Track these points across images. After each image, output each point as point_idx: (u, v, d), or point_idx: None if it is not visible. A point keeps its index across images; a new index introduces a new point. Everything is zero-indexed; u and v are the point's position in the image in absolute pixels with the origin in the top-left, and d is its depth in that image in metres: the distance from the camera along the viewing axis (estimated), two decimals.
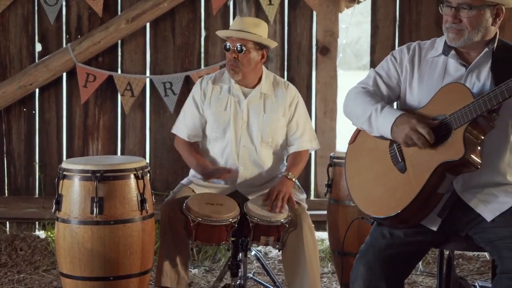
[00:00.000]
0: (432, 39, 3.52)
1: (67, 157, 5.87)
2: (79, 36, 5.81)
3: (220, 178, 4.46)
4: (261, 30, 4.46)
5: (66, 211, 4.18)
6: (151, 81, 5.83)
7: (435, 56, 3.43)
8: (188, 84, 5.77)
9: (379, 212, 3.32)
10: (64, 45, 5.82)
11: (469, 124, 3.15)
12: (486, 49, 3.33)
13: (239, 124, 4.49)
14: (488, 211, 3.23)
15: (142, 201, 4.22)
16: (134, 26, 5.71)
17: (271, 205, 4.28)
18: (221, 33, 4.57)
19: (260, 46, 4.44)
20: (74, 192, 4.17)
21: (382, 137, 3.40)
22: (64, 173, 4.22)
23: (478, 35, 3.28)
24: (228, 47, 4.42)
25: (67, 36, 5.86)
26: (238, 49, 4.38)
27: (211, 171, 4.42)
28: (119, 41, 5.83)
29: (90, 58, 5.76)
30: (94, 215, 4.12)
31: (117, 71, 5.84)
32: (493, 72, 3.28)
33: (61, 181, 4.22)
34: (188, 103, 4.59)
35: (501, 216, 3.20)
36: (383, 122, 3.32)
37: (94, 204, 4.11)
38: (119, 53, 5.87)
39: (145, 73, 5.89)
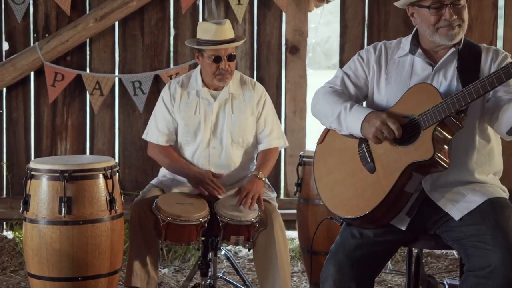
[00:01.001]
0: (397, 38, 3.55)
1: (35, 157, 5.83)
2: (47, 35, 5.76)
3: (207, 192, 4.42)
4: (233, 31, 4.49)
5: (34, 211, 4.15)
6: (120, 80, 5.81)
7: (401, 55, 3.46)
8: (157, 83, 5.75)
9: (348, 213, 3.33)
10: (31, 44, 5.77)
11: (437, 124, 3.17)
12: (452, 49, 3.36)
13: (208, 126, 4.48)
14: (456, 210, 3.26)
15: (111, 201, 4.20)
16: (103, 25, 5.68)
17: (240, 203, 4.29)
18: (215, 48, 4.39)
19: (236, 47, 4.49)
20: (42, 192, 4.14)
21: (351, 136, 3.41)
22: (32, 173, 4.18)
23: (466, 27, 3.32)
24: (219, 58, 4.39)
25: (35, 35, 5.81)
26: (230, 57, 4.39)
27: (203, 183, 4.38)
28: (88, 40, 5.80)
29: (58, 57, 5.72)
30: (63, 215, 4.09)
31: (85, 70, 5.80)
32: (459, 72, 3.31)
33: (29, 181, 4.19)
34: (159, 108, 4.57)
35: (468, 215, 3.22)
36: (353, 120, 3.33)
37: (62, 204, 4.09)
38: (88, 52, 5.84)
39: (114, 72, 5.85)
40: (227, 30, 4.43)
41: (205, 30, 4.43)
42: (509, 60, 3.36)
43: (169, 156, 4.51)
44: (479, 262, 3.11)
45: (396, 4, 3.46)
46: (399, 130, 3.21)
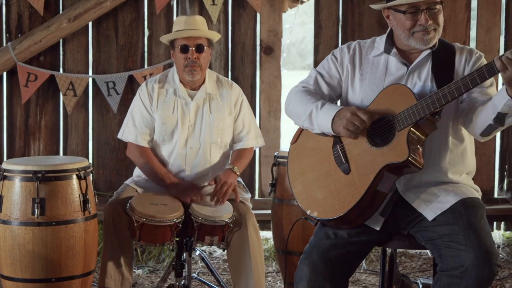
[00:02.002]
0: (372, 38, 3.56)
1: (7, 158, 5.78)
2: (19, 35, 5.72)
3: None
4: (207, 27, 4.48)
5: (7, 212, 4.12)
6: (93, 80, 5.78)
7: (376, 55, 3.47)
8: (131, 84, 5.73)
9: (323, 214, 3.34)
10: (4, 44, 5.72)
11: (412, 126, 3.19)
12: (427, 49, 3.38)
13: (186, 126, 4.47)
14: (429, 210, 3.27)
15: (85, 202, 4.17)
16: (76, 25, 5.65)
17: (213, 196, 4.29)
18: (177, 35, 4.42)
19: (210, 43, 4.46)
20: (15, 193, 4.11)
21: (324, 135, 3.42)
22: (5, 173, 4.15)
23: (441, 30, 3.35)
24: (186, 48, 4.38)
25: (7, 35, 5.76)
26: (199, 48, 4.37)
27: (185, 195, 4.35)
28: (61, 40, 5.76)
29: (31, 57, 5.68)
30: (36, 216, 4.06)
31: (59, 71, 5.77)
32: (433, 72, 3.34)
33: (1, 182, 4.16)
34: (136, 107, 4.53)
35: (441, 215, 3.24)
36: (324, 117, 3.34)
37: (36, 205, 4.06)
38: (61, 52, 5.80)
39: (87, 73, 5.82)
40: (198, 22, 4.44)
41: (177, 21, 4.51)
42: (483, 60, 3.39)
43: (150, 161, 4.45)
44: (452, 262, 3.13)
45: (373, 6, 3.48)
46: (369, 120, 3.23)
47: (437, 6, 3.32)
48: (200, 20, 4.49)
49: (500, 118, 3.16)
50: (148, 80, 4.58)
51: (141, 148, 4.48)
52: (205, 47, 4.40)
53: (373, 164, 3.24)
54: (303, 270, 3.30)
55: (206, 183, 4.48)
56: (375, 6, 3.45)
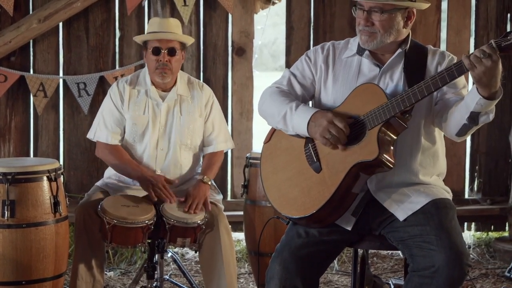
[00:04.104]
0: (346, 39, 3.57)
1: None
2: None
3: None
4: (181, 30, 4.47)
5: None
6: (64, 81, 5.73)
7: (349, 56, 3.48)
8: (102, 85, 5.69)
9: (294, 212, 3.34)
10: None
11: (382, 124, 3.20)
12: (399, 50, 3.39)
13: (157, 128, 4.46)
14: (401, 211, 3.29)
15: (55, 204, 4.14)
16: (47, 25, 5.60)
17: (186, 208, 4.28)
18: (151, 36, 4.42)
19: (183, 47, 4.44)
20: None
21: (297, 136, 3.42)
22: None
23: (390, 37, 3.34)
24: (158, 50, 4.37)
25: None
26: (171, 51, 4.36)
27: (155, 187, 4.33)
28: (31, 41, 5.71)
29: (1, 58, 5.62)
30: (6, 218, 4.03)
31: (29, 71, 5.72)
32: (405, 73, 3.35)
33: None
34: (107, 106, 4.50)
35: (413, 216, 3.26)
36: (298, 120, 3.35)
37: (5, 207, 4.02)
38: (31, 53, 5.75)
39: (58, 74, 5.78)
40: (172, 25, 4.44)
41: (151, 23, 4.51)
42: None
43: (119, 156, 4.44)
44: (423, 262, 3.14)
45: None
46: (347, 128, 3.23)
47: (377, 12, 3.30)
48: (174, 23, 4.48)
49: (473, 118, 3.18)
50: (119, 80, 4.56)
51: (111, 147, 4.46)
52: (177, 51, 4.40)
53: (344, 162, 3.25)
54: (274, 268, 3.30)
55: (177, 186, 4.47)
56: None
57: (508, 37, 2.97)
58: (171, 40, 4.39)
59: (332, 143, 3.25)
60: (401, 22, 3.34)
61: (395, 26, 3.33)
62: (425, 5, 3.40)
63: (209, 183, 4.45)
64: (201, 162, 4.63)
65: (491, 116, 3.22)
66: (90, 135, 4.56)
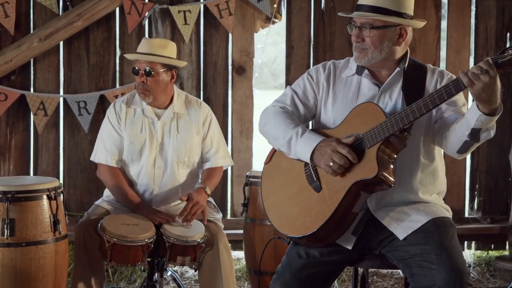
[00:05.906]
0: (346, 58, 3.58)
1: None
2: None
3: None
4: (169, 51, 4.45)
5: None
6: (64, 100, 5.74)
7: (349, 75, 3.49)
8: (103, 104, 5.70)
9: (295, 231, 3.34)
10: None
11: (382, 143, 3.20)
12: (397, 69, 3.40)
13: (154, 146, 4.46)
14: (401, 230, 3.28)
15: (55, 222, 4.14)
16: (47, 44, 5.62)
17: (183, 212, 4.28)
18: (129, 56, 4.53)
19: (169, 67, 4.43)
20: None
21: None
22: None
23: (381, 54, 3.34)
24: (136, 70, 4.39)
25: None
26: (147, 72, 4.36)
27: (151, 214, 4.35)
28: (32, 60, 5.73)
29: (1, 77, 5.63)
30: (5, 237, 4.02)
31: (29, 90, 5.73)
32: (404, 91, 3.35)
33: None
34: (106, 128, 4.52)
35: (413, 235, 3.25)
36: (303, 147, 3.34)
37: (5, 225, 4.02)
38: (32, 72, 5.77)
39: (58, 92, 5.79)
40: (155, 45, 4.42)
41: (141, 43, 4.51)
42: None
43: (119, 183, 4.44)
44: (423, 281, 3.13)
45: (340, 14, 3.50)
46: (351, 153, 3.23)
47: (367, 29, 3.32)
48: (159, 43, 4.46)
49: (474, 134, 3.18)
50: (116, 100, 4.58)
51: (111, 169, 4.46)
52: (155, 72, 4.37)
53: (344, 181, 3.24)
54: None
55: (177, 202, 4.47)
56: (342, 13, 3.47)
57: (505, 54, 2.97)
58: (149, 61, 4.40)
59: (335, 171, 3.25)
60: (392, 39, 3.35)
61: (385, 43, 3.34)
62: (420, 23, 3.39)
63: (209, 193, 4.45)
64: (200, 180, 4.62)
65: (492, 133, 3.21)
66: (92, 157, 4.58)
